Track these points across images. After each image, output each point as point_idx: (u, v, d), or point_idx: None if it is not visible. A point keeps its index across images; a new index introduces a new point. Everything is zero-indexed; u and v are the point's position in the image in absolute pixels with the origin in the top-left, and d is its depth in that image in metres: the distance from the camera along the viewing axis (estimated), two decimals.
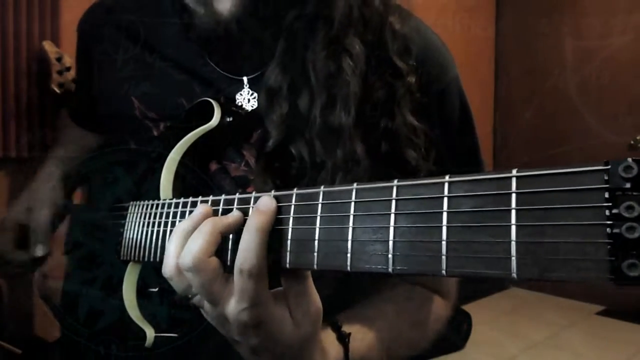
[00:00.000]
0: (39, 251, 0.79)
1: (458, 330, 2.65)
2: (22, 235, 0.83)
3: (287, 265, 0.43)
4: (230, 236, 0.48)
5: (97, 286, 0.73)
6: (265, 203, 0.45)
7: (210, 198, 0.52)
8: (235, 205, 0.49)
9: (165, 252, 0.49)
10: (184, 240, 0.48)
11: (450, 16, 3.38)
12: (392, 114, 0.62)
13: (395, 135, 0.62)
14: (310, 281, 0.48)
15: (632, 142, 2.73)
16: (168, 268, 0.49)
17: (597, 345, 2.79)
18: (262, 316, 0.46)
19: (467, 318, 2.76)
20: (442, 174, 0.33)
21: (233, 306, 0.46)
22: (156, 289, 0.67)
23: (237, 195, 0.49)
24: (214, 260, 0.46)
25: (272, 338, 0.47)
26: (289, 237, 0.44)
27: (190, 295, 0.50)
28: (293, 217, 0.44)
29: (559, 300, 3.42)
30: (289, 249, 0.43)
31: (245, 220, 0.46)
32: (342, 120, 0.60)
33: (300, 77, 0.62)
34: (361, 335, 0.59)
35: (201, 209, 0.49)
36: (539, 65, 3.61)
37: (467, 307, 3.05)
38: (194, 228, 0.48)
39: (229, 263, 0.47)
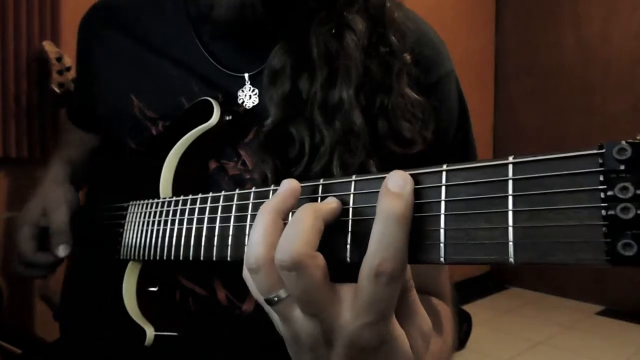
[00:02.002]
0: (63, 251, 0.77)
1: (458, 330, 2.64)
2: (41, 237, 0.82)
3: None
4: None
5: (98, 285, 0.73)
6: (397, 183, 0.34)
7: (210, 195, 0.52)
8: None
9: (250, 239, 0.38)
10: (276, 222, 0.38)
11: (450, 15, 3.38)
12: (390, 88, 0.62)
13: (392, 109, 0.62)
14: (415, 294, 0.40)
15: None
16: (254, 257, 0.37)
17: (597, 345, 2.79)
18: (386, 334, 0.37)
19: (467, 318, 2.76)
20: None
21: (350, 321, 0.36)
22: (156, 288, 0.67)
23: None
24: (321, 257, 0.36)
25: None
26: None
27: (275, 298, 0.38)
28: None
29: (559, 300, 3.42)
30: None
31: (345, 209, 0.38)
32: (343, 94, 0.60)
33: (303, 56, 0.63)
34: None
35: (289, 184, 0.40)
36: (539, 65, 3.61)
37: (467, 307, 3.05)
38: (286, 208, 0.39)
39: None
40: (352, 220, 0.38)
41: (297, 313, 0.38)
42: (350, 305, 0.36)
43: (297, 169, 0.62)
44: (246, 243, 0.45)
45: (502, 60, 3.84)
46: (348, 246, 0.38)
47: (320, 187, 0.41)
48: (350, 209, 0.38)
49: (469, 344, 2.71)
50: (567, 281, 3.43)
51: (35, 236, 0.82)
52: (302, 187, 0.40)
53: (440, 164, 0.67)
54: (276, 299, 0.38)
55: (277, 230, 0.37)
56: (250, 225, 0.45)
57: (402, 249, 0.33)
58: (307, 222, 0.36)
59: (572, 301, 3.40)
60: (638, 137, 0.25)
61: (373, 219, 0.35)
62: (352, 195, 0.38)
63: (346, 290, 0.37)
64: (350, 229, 0.38)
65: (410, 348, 0.38)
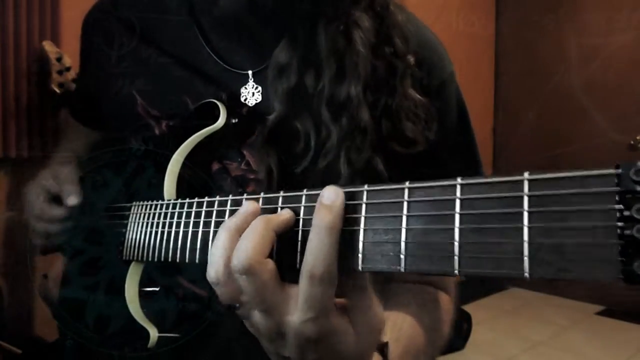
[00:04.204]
0: (73, 200, 0.75)
1: (458, 330, 2.65)
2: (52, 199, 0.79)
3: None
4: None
5: (99, 286, 0.73)
6: (330, 197, 0.39)
7: (217, 199, 0.52)
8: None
9: (211, 253, 0.44)
10: (233, 239, 0.42)
11: (450, 15, 3.38)
12: (394, 89, 0.63)
13: (395, 109, 0.62)
14: (372, 292, 0.43)
15: (632, 142, 2.73)
16: (214, 271, 0.43)
17: (597, 345, 2.80)
18: (328, 328, 0.41)
19: (467, 318, 2.76)
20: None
21: (295, 316, 0.40)
22: (158, 289, 0.67)
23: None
24: (270, 262, 0.41)
25: (333, 353, 0.42)
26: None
27: (237, 304, 0.43)
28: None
29: (559, 300, 3.43)
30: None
31: (297, 220, 0.43)
32: (351, 91, 0.61)
33: (310, 52, 0.63)
34: (394, 343, 0.55)
35: (249, 206, 0.44)
36: (539, 65, 3.61)
37: (467, 307, 3.05)
38: (244, 226, 0.43)
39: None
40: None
41: (255, 312, 0.42)
42: (295, 304, 0.40)
43: (302, 164, 0.62)
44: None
45: (502, 60, 3.84)
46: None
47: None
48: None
49: (469, 344, 2.71)
50: (567, 281, 3.43)
51: (45, 193, 0.79)
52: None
53: (444, 164, 0.68)
54: (237, 305, 0.43)
55: (234, 246, 0.42)
56: None
57: (330, 255, 0.38)
58: (258, 232, 0.41)
59: (572, 301, 3.40)
60: (638, 137, 0.25)
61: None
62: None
63: (293, 291, 0.41)
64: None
65: (357, 340, 0.42)
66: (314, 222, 0.39)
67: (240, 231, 0.42)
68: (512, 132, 3.74)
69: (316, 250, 0.38)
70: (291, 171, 0.63)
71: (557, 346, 2.79)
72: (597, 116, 3.30)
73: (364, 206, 0.38)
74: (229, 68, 0.69)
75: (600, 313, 3.26)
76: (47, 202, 0.77)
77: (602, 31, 3.33)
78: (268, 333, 0.43)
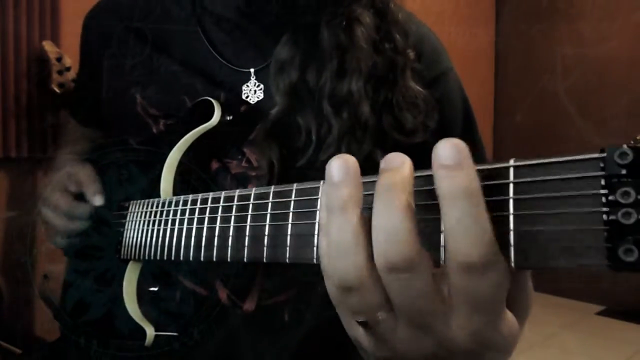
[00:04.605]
0: (99, 200, 0.74)
1: None
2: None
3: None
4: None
5: (98, 285, 0.73)
6: (450, 154, 0.28)
7: (210, 195, 0.52)
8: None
9: (336, 248, 0.30)
10: (363, 219, 0.30)
11: (451, 17, 3.38)
12: (394, 82, 0.64)
13: (396, 103, 0.63)
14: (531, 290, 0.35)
15: (631, 142, 2.73)
16: (353, 271, 0.30)
17: (597, 345, 2.79)
18: (496, 334, 0.30)
19: None
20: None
21: (460, 324, 0.29)
22: (156, 288, 0.67)
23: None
24: (427, 252, 0.29)
25: None
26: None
27: (380, 316, 0.31)
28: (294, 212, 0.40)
29: (559, 300, 3.42)
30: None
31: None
32: (352, 86, 0.61)
33: (312, 48, 0.63)
34: None
35: (343, 165, 0.31)
36: (538, 68, 3.62)
37: None
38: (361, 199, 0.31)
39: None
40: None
41: (403, 330, 0.31)
42: (455, 309, 0.29)
43: (304, 158, 0.62)
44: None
45: (502, 60, 3.84)
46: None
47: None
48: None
49: None
50: (567, 281, 3.44)
51: (67, 192, 0.77)
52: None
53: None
54: (380, 317, 0.31)
55: (368, 228, 0.30)
56: (252, 226, 0.44)
57: (484, 228, 0.27)
58: (402, 210, 0.28)
59: (572, 301, 3.40)
60: (638, 137, 0.25)
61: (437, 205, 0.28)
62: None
63: (451, 291, 0.29)
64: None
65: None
66: (441, 192, 0.28)
67: (361, 205, 0.30)
68: (511, 133, 3.74)
69: (461, 229, 0.27)
70: (292, 165, 0.64)
71: (557, 346, 2.79)
72: (592, 118, 3.30)
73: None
74: (231, 66, 0.69)
75: (600, 313, 3.26)
76: (70, 200, 0.75)
77: (596, 36, 3.34)
78: (422, 358, 0.31)
